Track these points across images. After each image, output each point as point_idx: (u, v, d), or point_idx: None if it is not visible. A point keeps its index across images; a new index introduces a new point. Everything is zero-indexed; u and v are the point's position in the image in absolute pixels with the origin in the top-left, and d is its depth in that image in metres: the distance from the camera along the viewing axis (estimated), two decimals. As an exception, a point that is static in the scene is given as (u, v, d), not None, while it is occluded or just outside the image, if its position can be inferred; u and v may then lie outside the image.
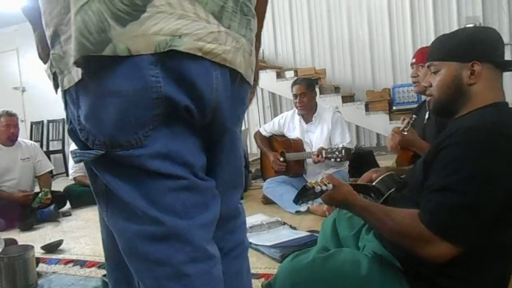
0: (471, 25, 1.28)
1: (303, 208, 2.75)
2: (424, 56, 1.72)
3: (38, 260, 2.12)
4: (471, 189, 0.91)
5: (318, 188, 1.12)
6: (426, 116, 2.01)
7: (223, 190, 0.86)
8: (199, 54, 0.71)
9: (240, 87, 0.83)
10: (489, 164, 0.91)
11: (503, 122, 0.97)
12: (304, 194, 1.14)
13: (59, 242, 2.50)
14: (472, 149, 0.93)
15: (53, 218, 3.22)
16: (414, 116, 1.98)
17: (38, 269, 2.05)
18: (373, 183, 1.40)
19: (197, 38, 0.70)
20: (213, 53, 0.73)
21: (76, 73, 0.71)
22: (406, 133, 1.86)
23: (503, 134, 0.93)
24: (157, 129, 0.73)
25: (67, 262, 2.23)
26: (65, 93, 0.76)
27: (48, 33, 0.75)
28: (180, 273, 0.75)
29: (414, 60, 2.07)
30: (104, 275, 1.74)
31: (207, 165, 0.84)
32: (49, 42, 0.76)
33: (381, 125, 4.73)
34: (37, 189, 3.52)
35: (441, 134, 1.09)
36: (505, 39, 4.93)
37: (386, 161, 3.65)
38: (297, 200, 1.17)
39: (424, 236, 0.94)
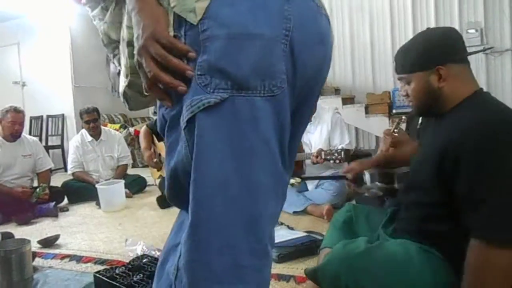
0: (430, 28, 1.32)
1: (301, 207, 2.76)
2: None
3: (35, 255, 2.12)
4: None
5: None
6: (419, 121, 2.01)
7: None
8: None
9: None
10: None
11: (496, 113, 1.03)
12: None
13: (56, 237, 2.50)
14: (488, 146, 0.96)
15: (51, 215, 3.21)
16: (404, 117, 1.99)
17: (34, 263, 2.04)
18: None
19: None
20: None
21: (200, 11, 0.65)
22: (396, 134, 1.87)
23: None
24: (283, 92, 0.68)
25: (63, 257, 2.23)
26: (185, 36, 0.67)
27: None
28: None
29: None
30: (97, 272, 1.74)
31: None
32: None
33: (381, 128, 4.71)
34: (35, 185, 3.52)
35: (446, 133, 1.10)
36: (507, 44, 4.96)
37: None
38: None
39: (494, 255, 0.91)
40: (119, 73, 0.85)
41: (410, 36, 5.35)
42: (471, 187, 0.97)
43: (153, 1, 0.69)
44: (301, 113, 0.80)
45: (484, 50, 1.36)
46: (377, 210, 1.52)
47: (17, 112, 3.33)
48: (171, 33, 0.67)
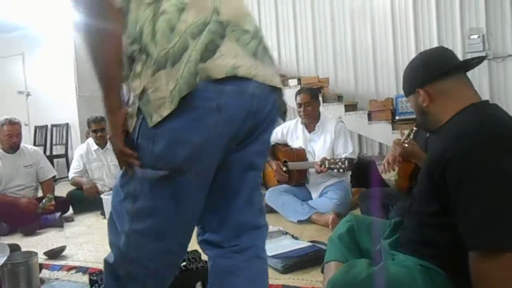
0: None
1: (305, 216, 2.76)
2: None
3: (41, 266, 2.13)
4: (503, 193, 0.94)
5: None
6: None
7: None
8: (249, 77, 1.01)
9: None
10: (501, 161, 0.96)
11: (479, 122, 1.06)
12: None
13: (62, 248, 2.51)
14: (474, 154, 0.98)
15: (57, 225, 3.23)
16: (414, 128, 2.00)
17: (41, 275, 2.05)
18: None
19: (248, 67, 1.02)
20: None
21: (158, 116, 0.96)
22: (406, 145, 1.88)
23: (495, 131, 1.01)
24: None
25: (70, 268, 2.24)
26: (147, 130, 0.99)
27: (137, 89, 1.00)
28: None
29: None
30: (91, 274, 1.77)
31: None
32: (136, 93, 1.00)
33: (384, 135, 4.74)
34: (40, 194, 3.54)
35: (436, 146, 1.14)
36: (509, 50, 4.97)
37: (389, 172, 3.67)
38: None
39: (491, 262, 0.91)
40: None
41: (412, 42, 5.43)
42: (456, 198, 0.99)
43: (118, 115, 1.02)
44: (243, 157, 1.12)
45: (480, 60, 1.33)
46: (379, 221, 1.52)
47: (13, 124, 3.30)
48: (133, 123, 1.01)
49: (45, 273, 2.17)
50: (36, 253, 1.92)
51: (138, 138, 1.00)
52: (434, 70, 1.18)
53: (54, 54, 6.20)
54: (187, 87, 0.94)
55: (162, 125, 0.96)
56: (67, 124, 6.27)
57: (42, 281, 2.05)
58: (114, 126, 1.03)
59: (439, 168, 1.04)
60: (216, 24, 0.99)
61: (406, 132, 2.04)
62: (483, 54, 5.05)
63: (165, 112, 0.94)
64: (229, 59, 0.98)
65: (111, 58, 1.00)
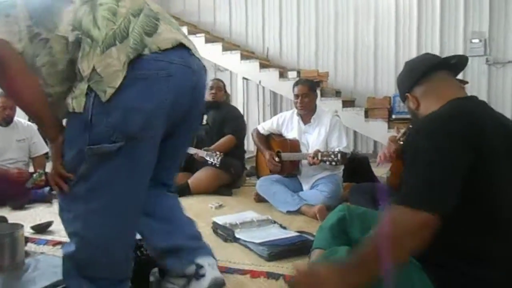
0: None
1: (295, 207, 2.77)
2: None
3: (27, 240, 2.13)
4: (427, 163, 1.02)
5: None
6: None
7: None
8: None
9: None
10: (437, 139, 1.04)
11: (447, 109, 1.13)
12: None
13: (49, 223, 2.50)
14: (419, 135, 1.09)
15: (46, 200, 3.22)
16: (410, 126, 2.00)
17: (26, 248, 2.05)
18: None
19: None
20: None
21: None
22: (401, 142, 1.88)
23: (443, 116, 1.09)
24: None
25: (56, 243, 2.24)
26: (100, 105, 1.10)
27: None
28: None
29: None
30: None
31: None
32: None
33: (379, 133, 4.75)
34: (31, 170, 3.52)
35: None
36: (510, 56, 4.97)
37: (381, 169, 3.67)
38: None
39: (405, 214, 0.99)
40: None
41: (414, 42, 5.43)
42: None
43: (57, 144, 1.18)
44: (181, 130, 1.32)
45: (463, 59, 1.38)
46: (373, 212, 1.53)
47: (7, 97, 3.26)
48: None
49: (30, 247, 2.17)
50: (22, 226, 1.91)
51: (92, 115, 1.09)
52: (417, 73, 1.25)
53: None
54: (135, 52, 1.09)
55: (116, 97, 1.07)
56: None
57: (27, 254, 2.04)
58: (54, 153, 1.18)
59: None
60: (149, 10, 1.19)
61: (402, 129, 2.04)
62: (484, 58, 5.06)
63: (118, 82, 1.06)
64: (171, 34, 1.17)
65: (32, 99, 1.15)
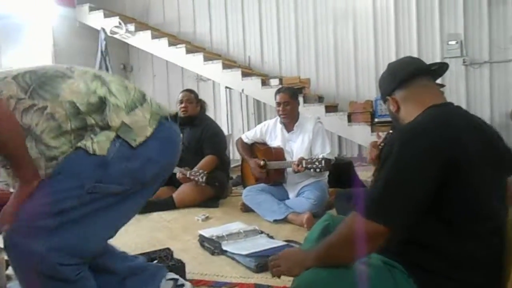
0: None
1: (281, 216, 2.77)
2: None
3: (8, 263, 2.07)
4: (392, 176, 1.04)
5: None
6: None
7: None
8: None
9: None
10: (404, 149, 1.06)
11: (423, 119, 1.13)
12: None
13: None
14: (395, 145, 1.08)
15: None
16: (391, 131, 2.02)
17: (7, 272, 1.99)
18: None
19: None
20: None
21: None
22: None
23: (417, 129, 1.09)
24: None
25: (38, 265, 2.17)
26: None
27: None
28: None
29: None
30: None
31: None
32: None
33: (363, 136, 4.79)
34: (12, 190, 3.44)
35: None
36: (485, 56, 5.09)
37: (367, 172, 3.70)
38: None
39: (355, 218, 1.05)
40: None
41: (393, 46, 5.51)
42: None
43: (29, 187, 1.19)
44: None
45: (443, 66, 1.46)
46: None
47: None
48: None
49: (11, 270, 2.10)
50: (2, 249, 1.86)
51: (112, 158, 1.20)
52: (399, 77, 1.26)
53: (32, 46, 6.03)
54: (158, 116, 1.31)
55: (142, 146, 1.24)
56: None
57: (9, 277, 1.99)
58: (22, 194, 1.19)
59: None
60: None
61: (382, 134, 2.06)
62: (461, 59, 5.17)
63: (148, 133, 1.26)
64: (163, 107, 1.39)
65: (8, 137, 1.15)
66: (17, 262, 1.20)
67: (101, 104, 1.24)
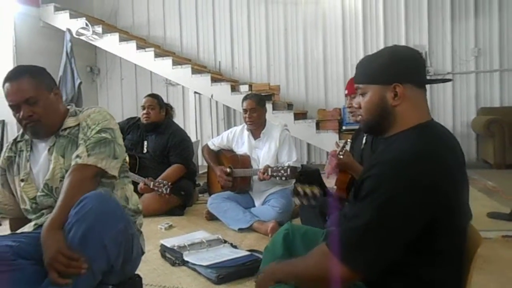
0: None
1: (246, 225, 2.73)
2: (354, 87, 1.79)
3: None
4: (374, 217, 0.94)
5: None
6: (364, 141, 2.06)
7: None
8: None
9: None
10: (395, 192, 0.94)
11: (418, 154, 0.99)
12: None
13: None
14: (384, 181, 0.96)
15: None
16: (349, 140, 2.03)
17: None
18: None
19: None
20: None
21: None
22: (341, 156, 1.90)
23: (414, 169, 0.96)
24: None
25: None
26: None
27: None
28: None
29: (346, 92, 2.15)
30: None
31: None
32: None
33: (331, 144, 4.77)
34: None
35: (369, 161, 1.11)
36: (448, 68, 5.26)
37: (333, 180, 3.71)
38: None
39: (327, 256, 0.98)
40: None
41: (361, 55, 5.60)
42: (353, 205, 1.03)
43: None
44: None
45: (444, 80, 1.42)
46: (314, 230, 1.51)
47: None
48: None
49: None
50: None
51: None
52: (418, 73, 1.10)
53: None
54: None
55: None
56: (3, 121, 5.85)
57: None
58: (59, 240, 1.22)
59: (359, 183, 1.03)
60: None
61: (341, 143, 2.06)
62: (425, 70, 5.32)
63: None
64: None
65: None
66: None
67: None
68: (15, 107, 1.47)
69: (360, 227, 0.95)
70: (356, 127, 4.62)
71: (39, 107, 1.46)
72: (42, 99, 1.48)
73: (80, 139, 1.47)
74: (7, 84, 1.48)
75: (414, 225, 0.95)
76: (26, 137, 1.56)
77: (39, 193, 1.46)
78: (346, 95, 2.20)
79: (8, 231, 1.73)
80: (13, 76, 1.49)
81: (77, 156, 1.41)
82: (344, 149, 1.92)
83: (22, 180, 1.50)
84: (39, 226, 1.40)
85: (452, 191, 0.99)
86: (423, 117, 1.09)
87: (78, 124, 1.52)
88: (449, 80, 1.36)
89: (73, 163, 1.40)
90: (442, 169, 0.97)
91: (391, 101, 1.07)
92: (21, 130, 1.57)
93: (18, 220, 1.59)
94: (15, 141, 1.59)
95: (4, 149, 1.60)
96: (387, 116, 1.08)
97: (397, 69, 1.07)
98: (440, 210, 0.97)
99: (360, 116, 1.17)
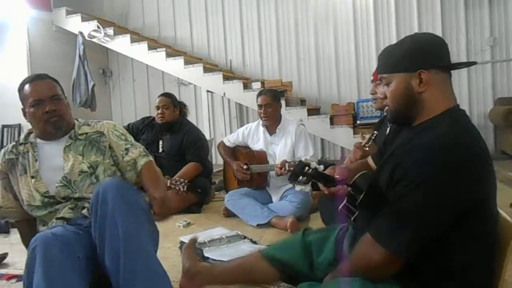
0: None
1: (265, 220, 2.72)
2: None
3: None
4: (420, 209, 0.95)
5: (313, 164, 1.14)
6: (387, 131, 2.03)
7: None
8: None
9: None
10: (434, 176, 0.95)
11: (455, 140, 0.99)
12: (299, 172, 1.14)
13: (4, 256, 2.34)
14: (422, 166, 0.96)
15: (2, 231, 3.01)
16: (375, 132, 2.00)
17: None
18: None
19: None
20: None
21: None
22: (367, 148, 1.88)
23: (453, 154, 0.96)
24: None
25: (10, 277, 2.07)
26: None
27: None
28: None
29: (372, 78, 2.13)
30: None
31: None
32: None
33: (345, 139, 4.79)
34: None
35: (398, 142, 1.10)
36: (463, 58, 5.17)
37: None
38: (292, 178, 1.19)
39: (372, 245, 1.00)
40: None
41: (373, 47, 5.55)
42: (394, 194, 1.02)
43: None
44: None
45: (469, 64, 1.38)
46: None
47: None
48: None
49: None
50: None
51: None
52: (442, 58, 1.09)
53: (7, 49, 5.87)
54: None
55: None
56: (19, 125, 5.94)
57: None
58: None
59: (390, 166, 1.02)
60: None
61: (367, 135, 2.04)
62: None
63: None
64: None
65: None
66: None
67: None
68: (40, 102, 1.59)
69: (400, 211, 0.96)
70: (372, 121, 4.62)
71: (62, 105, 1.65)
72: (63, 99, 1.68)
73: (113, 142, 1.71)
74: (31, 84, 1.64)
75: (452, 208, 0.95)
76: (31, 139, 1.67)
77: (56, 184, 1.57)
78: (372, 81, 2.21)
79: (18, 239, 1.79)
80: (38, 77, 1.66)
81: (143, 155, 1.69)
82: (371, 141, 1.89)
83: (32, 177, 1.61)
84: (65, 219, 1.56)
85: (485, 175, 0.99)
86: (451, 102, 1.08)
87: (97, 131, 1.72)
88: (474, 63, 1.32)
89: (143, 160, 1.67)
90: (477, 154, 0.98)
91: (417, 88, 1.06)
92: (23, 134, 1.71)
93: (24, 223, 1.72)
94: (16, 144, 1.70)
95: (1, 154, 1.70)
96: (414, 104, 1.08)
97: (421, 55, 1.07)
98: (475, 194, 0.96)
99: (386, 105, 1.18)
